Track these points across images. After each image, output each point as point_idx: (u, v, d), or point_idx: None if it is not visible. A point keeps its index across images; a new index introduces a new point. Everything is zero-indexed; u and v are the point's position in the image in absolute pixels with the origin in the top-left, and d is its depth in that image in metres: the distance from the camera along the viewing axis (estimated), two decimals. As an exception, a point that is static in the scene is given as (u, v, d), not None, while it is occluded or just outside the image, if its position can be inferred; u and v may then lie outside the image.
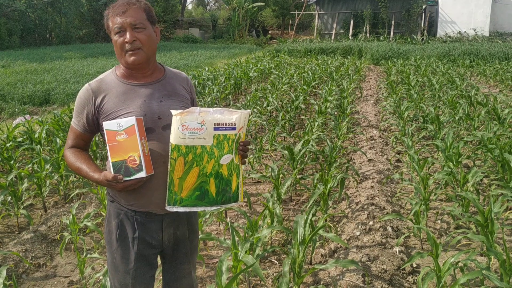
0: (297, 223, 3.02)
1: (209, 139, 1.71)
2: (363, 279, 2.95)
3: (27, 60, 15.87)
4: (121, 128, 1.68)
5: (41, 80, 11.33)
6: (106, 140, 1.71)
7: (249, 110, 1.90)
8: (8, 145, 5.43)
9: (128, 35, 1.77)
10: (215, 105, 8.67)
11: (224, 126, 1.73)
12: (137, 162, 1.67)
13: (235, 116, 1.74)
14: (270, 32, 33.98)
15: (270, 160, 5.80)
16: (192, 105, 2.04)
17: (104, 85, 1.85)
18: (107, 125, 1.71)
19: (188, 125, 1.68)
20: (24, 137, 5.94)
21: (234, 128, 1.74)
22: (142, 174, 1.69)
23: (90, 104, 1.83)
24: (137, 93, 1.84)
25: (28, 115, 8.15)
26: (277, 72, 12.64)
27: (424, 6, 24.45)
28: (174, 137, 1.70)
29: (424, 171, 4.69)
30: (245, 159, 1.87)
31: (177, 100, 1.92)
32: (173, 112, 1.70)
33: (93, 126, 1.87)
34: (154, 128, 1.81)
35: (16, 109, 8.88)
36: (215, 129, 1.71)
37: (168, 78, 1.96)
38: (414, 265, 3.32)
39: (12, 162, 4.86)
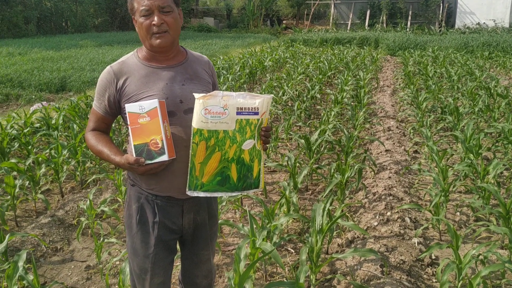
0: (315, 211, 2.99)
1: (231, 123, 1.68)
2: (381, 269, 2.92)
3: (43, 48, 15.98)
4: (144, 111, 1.66)
5: (57, 68, 11.40)
6: (128, 123, 1.68)
7: (272, 95, 1.86)
8: (25, 130, 5.48)
9: (156, 18, 1.74)
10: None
11: (247, 110, 1.69)
12: (160, 145, 1.65)
13: (258, 101, 1.70)
14: (284, 22, 33.66)
15: (285, 149, 5.76)
16: (214, 89, 2.00)
17: (126, 67, 1.82)
18: (129, 107, 1.68)
19: (211, 109, 1.65)
20: (41, 123, 5.99)
21: (256, 113, 1.70)
22: (164, 158, 1.66)
23: (112, 86, 1.81)
24: (159, 76, 1.81)
25: (45, 102, 8.21)
26: (292, 62, 12.52)
27: (442, -4, 24.01)
28: (197, 121, 1.67)
29: (443, 162, 4.61)
30: (267, 145, 1.84)
31: (199, 83, 1.89)
32: (196, 95, 1.67)
33: (115, 108, 1.85)
34: (176, 111, 1.79)
35: (33, 96, 8.97)
36: (237, 113, 1.68)
37: (190, 61, 1.93)
38: (433, 257, 3.27)
39: (29, 147, 4.89)
